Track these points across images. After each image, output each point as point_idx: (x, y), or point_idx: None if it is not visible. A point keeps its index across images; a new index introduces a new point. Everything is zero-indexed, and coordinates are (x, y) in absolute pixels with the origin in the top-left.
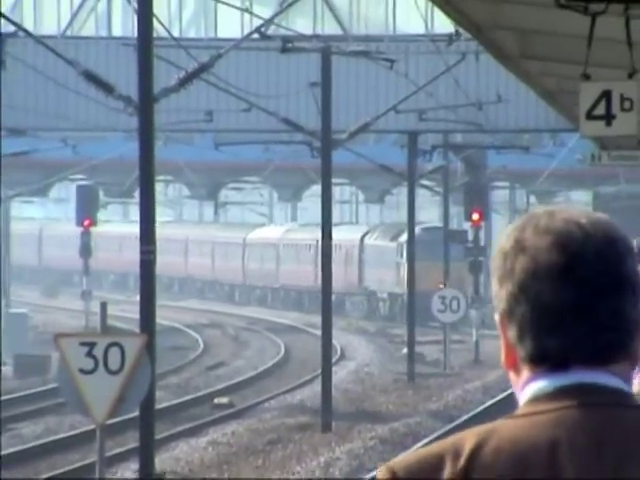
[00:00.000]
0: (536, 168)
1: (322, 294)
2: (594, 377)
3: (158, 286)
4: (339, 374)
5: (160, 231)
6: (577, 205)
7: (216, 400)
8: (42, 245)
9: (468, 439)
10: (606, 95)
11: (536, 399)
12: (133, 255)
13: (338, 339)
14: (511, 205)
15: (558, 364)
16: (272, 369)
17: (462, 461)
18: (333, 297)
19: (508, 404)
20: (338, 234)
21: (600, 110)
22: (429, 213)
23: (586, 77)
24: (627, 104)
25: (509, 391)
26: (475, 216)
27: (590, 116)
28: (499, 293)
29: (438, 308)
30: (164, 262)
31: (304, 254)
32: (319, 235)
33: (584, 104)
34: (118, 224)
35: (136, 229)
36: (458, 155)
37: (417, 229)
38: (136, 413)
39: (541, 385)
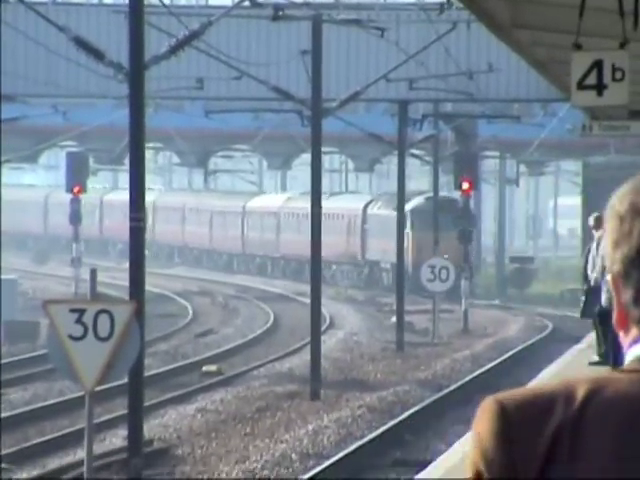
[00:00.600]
0: (526, 138)
1: (311, 263)
2: None
3: (157, 254)
4: (328, 343)
5: (160, 199)
6: (565, 176)
7: (205, 368)
8: (48, 213)
9: (581, 385)
10: (597, 65)
11: None
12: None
13: (328, 307)
14: (501, 175)
15: None
16: (261, 337)
17: (574, 407)
18: (334, 267)
19: (496, 374)
20: (340, 203)
21: (591, 80)
22: (419, 182)
23: (577, 47)
24: (619, 74)
25: (497, 361)
26: (465, 185)
27: (581, 86)
28: (613, 255)
29: (427, 277)
30: (163, 230)
31: (305, 223)
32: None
33: (575, 74)
34: (124, 191)
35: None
36: (448, 124)
37: (421, 198)
38: (125, 380)
39: None
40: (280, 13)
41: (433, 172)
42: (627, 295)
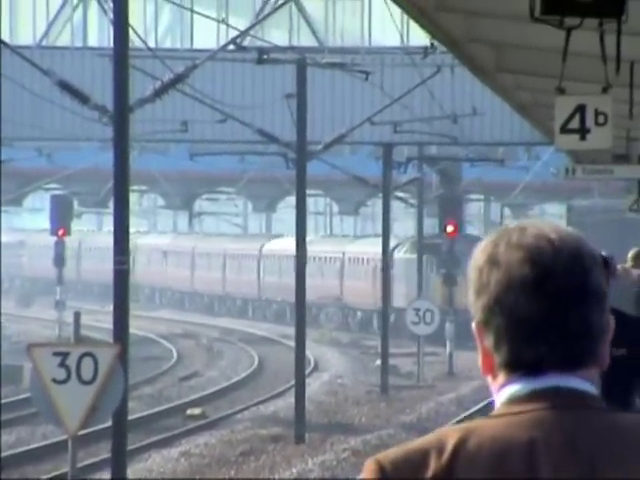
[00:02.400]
0: (510, 181)
1: (296, 305)
2: (566, 381)
3: (170, 300)
4: (312, 385)
5: (169, 242)
6: (550, 219)
7: (189, 411)
8: (80, 257)
9: (450, 435)
10: (580, 109)
11: (512, 401)
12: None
13: (320, 354)
14: (485, 217)
15: (533, 369)
16: (246, 380)
17: (446, 457)
18: (359, 314)
19: (482, 417)
20: (366, 247)
21: (574, 124)
22: (404, 225)
23: (561, 91)
24: (601, 118)
25: (482, 403)
26: (449, 228)
27: (565, 130)
28: (475, 304)
29: (412, 320)
30: (171, 275)
31: (328, 268)
32: (346, 248)
33: (559, 118)
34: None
35: (146, 241)
36: (433, 167)
37: (429, 240)
38: (109, 423)
39: (517, 388)
40: (265, 56)
41: (417, 215)
42: (489, 341)
